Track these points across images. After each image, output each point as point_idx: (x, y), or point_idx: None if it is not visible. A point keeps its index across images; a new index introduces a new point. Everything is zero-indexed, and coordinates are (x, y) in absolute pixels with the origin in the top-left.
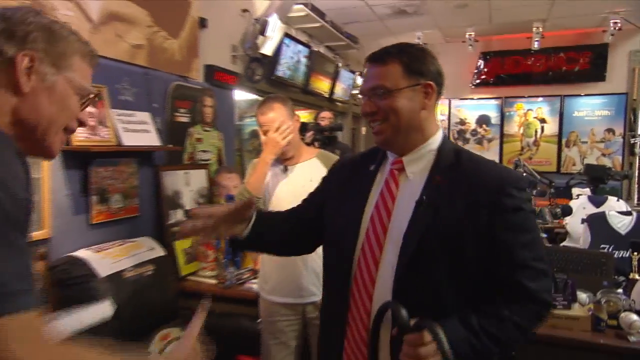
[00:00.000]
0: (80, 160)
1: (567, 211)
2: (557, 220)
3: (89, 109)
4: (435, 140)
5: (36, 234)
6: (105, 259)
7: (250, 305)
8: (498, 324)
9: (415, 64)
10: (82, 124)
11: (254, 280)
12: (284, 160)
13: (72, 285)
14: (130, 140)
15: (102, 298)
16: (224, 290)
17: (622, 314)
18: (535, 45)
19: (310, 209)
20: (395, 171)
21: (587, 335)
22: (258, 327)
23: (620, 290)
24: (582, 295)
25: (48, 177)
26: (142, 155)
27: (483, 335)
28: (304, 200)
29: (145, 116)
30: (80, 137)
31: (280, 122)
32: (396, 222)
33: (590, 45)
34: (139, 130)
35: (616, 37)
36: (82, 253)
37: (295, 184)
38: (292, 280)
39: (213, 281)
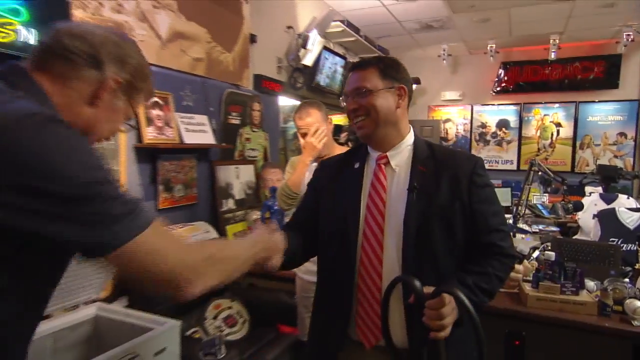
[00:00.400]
0: (149, 156)
1: (579, 207)
2: (569, 215)
3: (158, 111)
4: (410, 137)
5: None
6: None
7: (288, 282)
8: (487, 280)
9: (390, 70)
10: (108, 139)
11: None
12: (318, 158)
13: None
14: (190, 139)
15: None
16: (267, 270)
17: (627, 301)
18: (552, 56)
19: (310, 213)
20: (382, 165)
21: (593, 319)
22: (294, 301)
23: (626, 280)
24: (590, 283)
25: (124, 169)
26: (200, 151)
27: (478, 291)
28: (299, 210)
29: (203, 118)
30: (150, 136)
31: (316, 126)
32: (392, 209)
33: (604, 55)
34: (198, 131)
35: (629, 48)
36: None
37: None
38: None
39: None
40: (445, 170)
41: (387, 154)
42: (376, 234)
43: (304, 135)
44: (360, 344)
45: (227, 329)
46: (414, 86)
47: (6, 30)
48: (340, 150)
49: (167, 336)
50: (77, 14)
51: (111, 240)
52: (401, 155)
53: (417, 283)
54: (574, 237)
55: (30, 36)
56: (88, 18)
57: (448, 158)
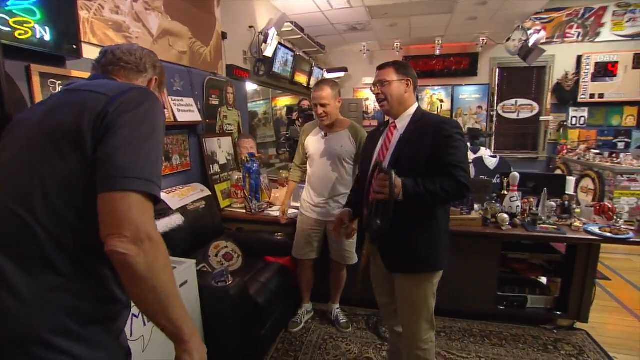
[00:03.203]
0: None
1: None
2: None
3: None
4: (412, 109)
5: None
6: (175, 198)
7: (269, 225)
8: (431, 183)
9: (401, 69)
10: None
11: (270, 209)
12: (325, 128)
13: (157, 216)
14: (182, 117)
15: (176, 224)
16: (251, 216)
17: (498, 215)
18: (437, 52)
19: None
20: (392, 128)
21: (479, 228)
22: (276, 239)
23: (495, 202)
24: (476, 206)
25: None
26: (190, 127)
27: (422, 186)
28: (360, 166)
29: (190, 101)
30: None
31: (328, 99)
32: (390, 150)
33: (469, 53)
34: (187, 111)
35: (484, 49)
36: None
37: (330, 147)
38: (322, 207)
39: (242, 210)
40: (424, 127)
41: (395, 121)
42: (380, 162)
43: (316, 106)
44: None
45: (227, 263)
46: (342, 74)
47: (24, 28)
48: (343, 123)
49: (187, 272)
50: (82, 14)
51: (125, 176)
52: (403, 121)
53: (384, 164)
54: None
55: (45, 34)
56: (91, 19)
57: (429, 121)
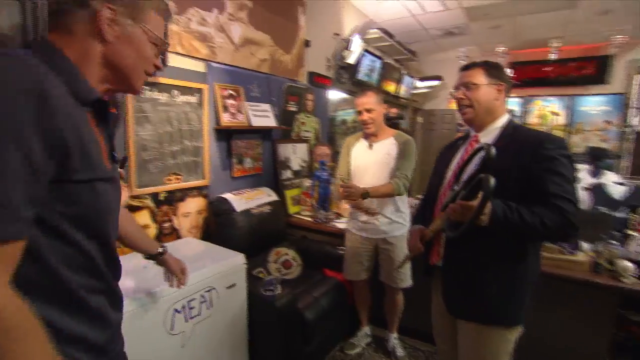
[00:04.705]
0: (226, 135)
1: None
2: None
3: (232, 101)
4: (501, 121)
5: (201, 182)
6: (241, 200)
7: (333, 236)
8: (529, 213)
9: (493, 71)
10: (158, 68)
11: (337, 220)
12: (370, 137)
13: (221, 215)
14: (257, 122)
15: (238, 226)
16: (317, 225)
17: (618, 261)
18: (552, 57)
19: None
20: (473, 142)
21: (587, 275)
22: (338, 252)
23: (616, 242)
24: (585, 245)
25: (208, 146)
26: (264, 132)
27: (516, 212)
28: (430, 180)
29: (267, 106)
30: (226, 120)
31: (373, 105)
32: (469, 169)
33: (595, 56)
34: (263, 116)
35: (619, 50)
36: (227, 195)
37: (377, 156)
38: (372, 224)
39: (309, 219)
40: (519, 144)
41: (479, 134)
42: (451, 183)
43: (361, 112)
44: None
45: (285, 270)
46: (437, 82)
47: None
48: (388, 131)
49: (236, 275)
50: (173, 27)
51: None
52: (490, 135)
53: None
54: None
55: None
56: (181, 31)
57: (524, 136)
